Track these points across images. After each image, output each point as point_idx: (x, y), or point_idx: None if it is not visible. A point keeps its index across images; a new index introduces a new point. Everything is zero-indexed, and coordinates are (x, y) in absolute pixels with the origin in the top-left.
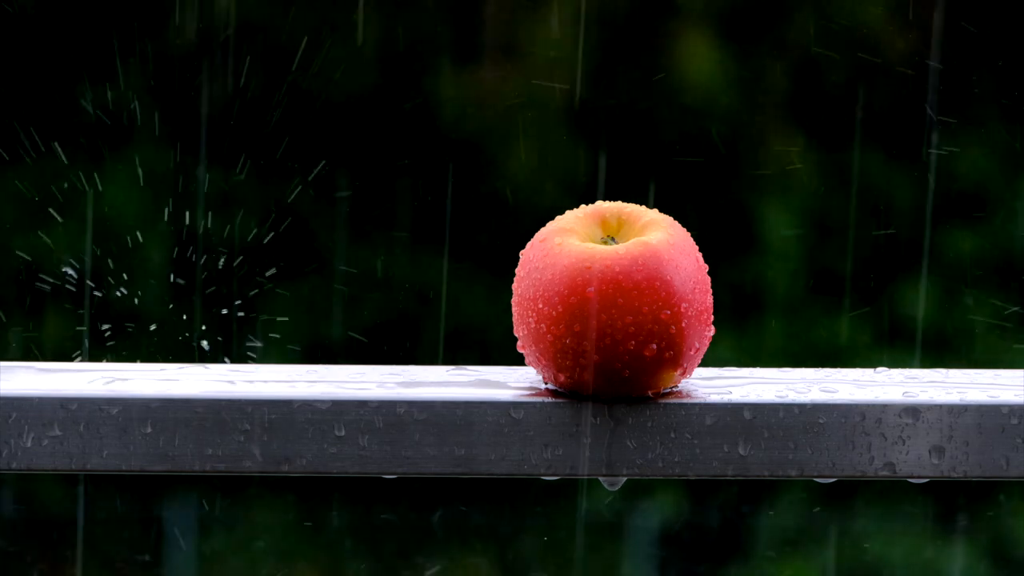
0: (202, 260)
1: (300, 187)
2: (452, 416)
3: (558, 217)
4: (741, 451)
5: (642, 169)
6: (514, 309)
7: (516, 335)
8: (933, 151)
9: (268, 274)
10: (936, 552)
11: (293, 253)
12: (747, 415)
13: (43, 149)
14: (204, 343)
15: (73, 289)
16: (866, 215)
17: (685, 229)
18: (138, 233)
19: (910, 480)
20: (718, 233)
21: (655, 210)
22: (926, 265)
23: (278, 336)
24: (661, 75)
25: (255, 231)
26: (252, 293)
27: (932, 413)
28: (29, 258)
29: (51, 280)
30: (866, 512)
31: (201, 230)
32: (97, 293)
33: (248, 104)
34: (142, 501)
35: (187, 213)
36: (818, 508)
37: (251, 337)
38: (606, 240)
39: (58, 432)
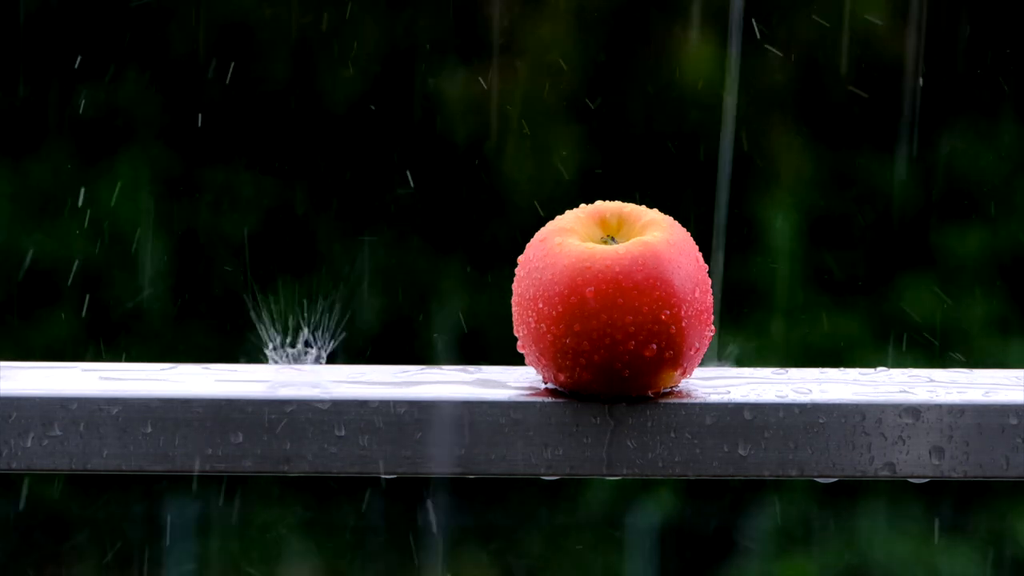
0: (202, 260)
1: (300, 187)
2: (452, 416)
3: (558, 217)
4: (741, 451)
5: (642, 168)
6: (514, 309)
7: (516, 335)
8: (934, 149)
9: (268, 274)
10: (936, 552)
11: (293, 253)
12: (747, 415)
13: (43, 148)
14: (205, 343)
15: (73, 289)
16: (867, 214)
17: (685, 229)
18: (138, 232)
19: (910, 480)
20: (718, 232)
21: (655, 210)
22: (927, 264)
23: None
24: (661, 74)
25: (255, 231)
26: (252, 293)
27: (932, 413)
28: (29, 257)
29: (51, 280)
30: (866, 512)
31: (201, 230)
32: (97, 293)
33: (249, 104)
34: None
35: (188, 213)
36: (818, 508)
37: (251, 337)
38: (606, 240)
39: (58, 432)
